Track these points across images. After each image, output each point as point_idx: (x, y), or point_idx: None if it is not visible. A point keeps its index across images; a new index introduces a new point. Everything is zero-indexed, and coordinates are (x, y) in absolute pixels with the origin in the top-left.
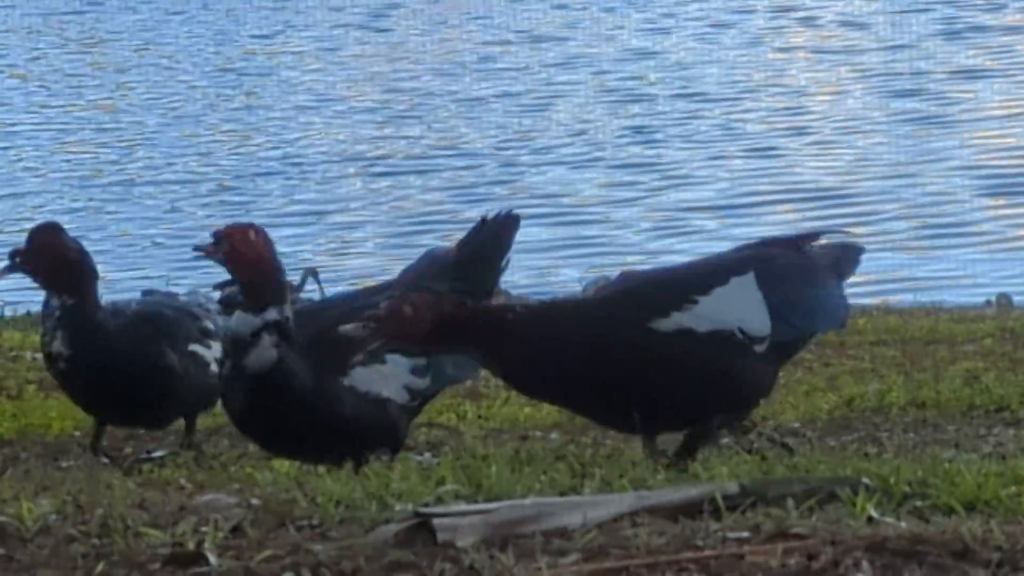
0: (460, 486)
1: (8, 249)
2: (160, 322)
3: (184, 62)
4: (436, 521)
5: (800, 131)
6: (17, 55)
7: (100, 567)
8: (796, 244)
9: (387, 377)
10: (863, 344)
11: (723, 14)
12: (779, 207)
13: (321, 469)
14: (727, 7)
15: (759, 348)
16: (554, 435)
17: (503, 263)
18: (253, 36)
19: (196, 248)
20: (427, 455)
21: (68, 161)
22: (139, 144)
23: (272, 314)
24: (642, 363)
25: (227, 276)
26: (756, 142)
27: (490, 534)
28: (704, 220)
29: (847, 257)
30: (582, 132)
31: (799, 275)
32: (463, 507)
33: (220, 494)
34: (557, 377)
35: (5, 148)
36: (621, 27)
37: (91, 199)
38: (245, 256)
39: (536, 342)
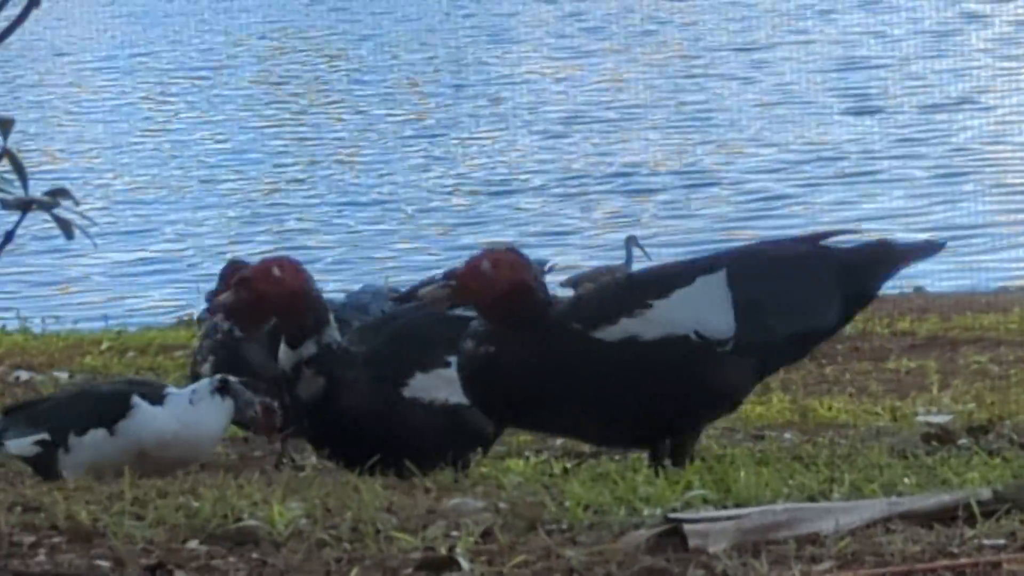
0: (708, 491)
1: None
2: None
3: (419, 72)
4: (687, 527)
5: None
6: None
7: (354, 572)
8: (812, 239)
9: (452, 381)
10: None
11: (950, 19)
12: None
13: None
14: (957, 11)
15: (722, 349)
16: (788, 435)
17: None
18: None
19: (218, 307)
20: None
21: (291, 179)
22: (371, 159)
23: (310, 348)
24: (588, 375)
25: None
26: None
27: (741, 540)
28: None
29: (882, 258)
30: (829, 145)
31: (785, 272)
32: (714, 513)
33: (467, 498)
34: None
35: (227, 166)
36: (848, 32)
37: (324, 217)
38: (274, 297)
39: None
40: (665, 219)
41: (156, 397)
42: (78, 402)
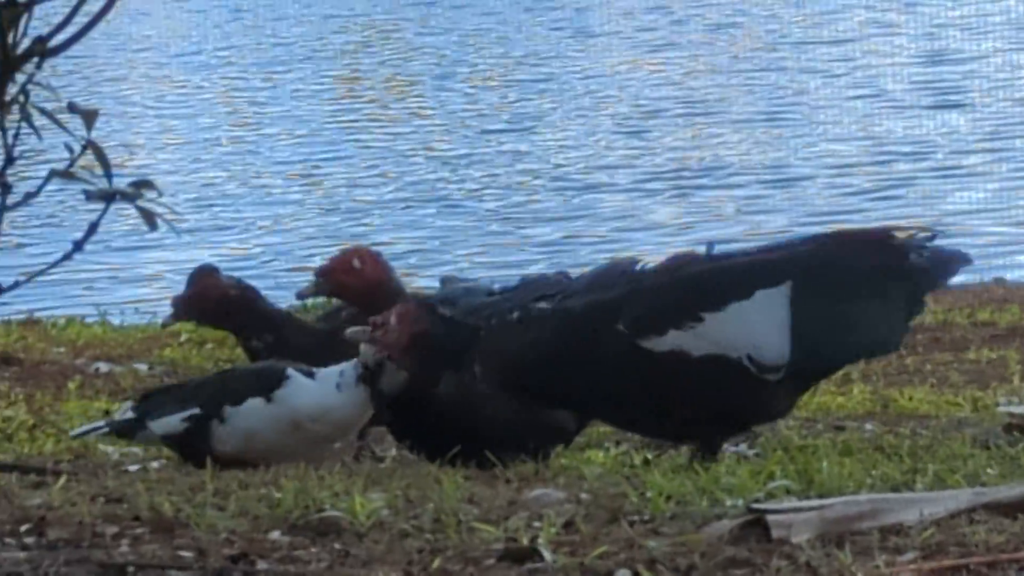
0: (791, 481)
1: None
2: None
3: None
4: (770, 517)
5: None
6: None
7: (436, 562)
8: (885, 238)
9: None
10: None
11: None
12: None
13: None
14: None
15: (771, 377)
16: (869, 425)
17: None
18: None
19: (298, 296)
20: (743, 446)
21: (371, 174)
22: (454, 154)
23: None
24: (629, 380)
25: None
26: None
27: (825, 531)
28: None
29: (943, 267)
30: (916, 140)
31: (851, 288)
32: (797, 503)
33: (548, 488)
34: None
35: (307, 162)
36: (935, 24)
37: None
38: (353, 287)
39: (517, 351)
40: (750, 215)
41: (308, 373)
42: (230, 378)
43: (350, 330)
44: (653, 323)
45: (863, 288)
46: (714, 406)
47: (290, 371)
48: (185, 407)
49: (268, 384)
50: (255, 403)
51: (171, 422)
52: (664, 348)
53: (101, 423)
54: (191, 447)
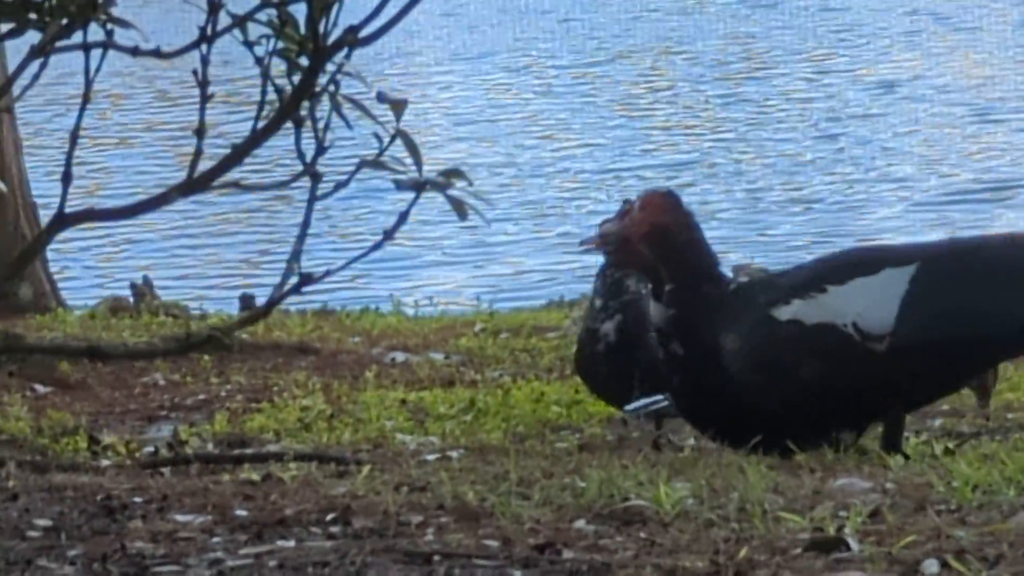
0: None
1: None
2: None
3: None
4: None
5: None
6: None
7: (743, 552)
8: None
9: None
10: None
11: None
12: None
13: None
14: None
15: (876, 346)
16: None
17: None
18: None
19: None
20: None
21: (682, 181)
22: (765, 158)
23: None
24: (762, 351)
25: None
26: None
27: None
28: None
29: None
30: None
31: (989, 275)
32: None
33: (853, 478)
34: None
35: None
36: None
37: None
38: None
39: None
40: None
41: None
42: None
43: (603, 224)
44: (786, 293)
45: (992, 280)
46: (824, 379)
47: None
48: None
49: None
50: None
51: None
52: (784, 316)
53: (660, 397)
54: None
